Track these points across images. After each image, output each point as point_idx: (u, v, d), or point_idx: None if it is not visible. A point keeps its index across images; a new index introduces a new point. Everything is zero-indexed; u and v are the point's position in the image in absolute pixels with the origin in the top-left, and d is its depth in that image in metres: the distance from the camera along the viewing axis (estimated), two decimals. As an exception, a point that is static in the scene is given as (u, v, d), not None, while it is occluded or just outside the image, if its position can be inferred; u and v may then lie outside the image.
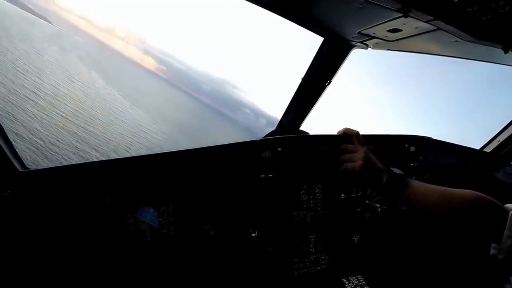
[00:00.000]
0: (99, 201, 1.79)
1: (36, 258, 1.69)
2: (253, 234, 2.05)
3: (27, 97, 32.26)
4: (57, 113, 32.57)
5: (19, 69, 40.33)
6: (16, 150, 1.81)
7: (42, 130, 26.20)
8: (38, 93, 35.55)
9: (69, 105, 38.87)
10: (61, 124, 29.83)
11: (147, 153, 1.98)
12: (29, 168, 1.79)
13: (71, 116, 33.86)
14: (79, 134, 30.01)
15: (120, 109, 55.93)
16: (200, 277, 1.93)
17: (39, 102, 33.20)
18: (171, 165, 1.95)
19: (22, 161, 1.81)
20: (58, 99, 38.27)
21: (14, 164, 1.72)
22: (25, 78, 38.22)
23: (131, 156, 1.95)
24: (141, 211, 1.86)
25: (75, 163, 1.86)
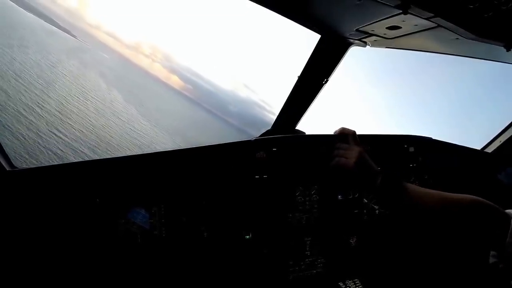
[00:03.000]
0: (88, 201, 1.75)
1: (24, 258, 1.66)
2: (247, 236, 2.01)
3: (20, 113, 27.69)
4: (55, 134, 27.22)
5: (21, 82, 36.68)
6: (4, 149, 1.77)
7: (27, 156, 21.07)
8: (37, 109, 30.94)
9: (75, 125, 33.46)
10: (57, 150, 24.36)
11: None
12: (17, 168, 1.75)
13: (74, 139, 29.36)
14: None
15: (138, 131, 52.05)
16: (193, 280, 1.90)
17: (34, 120, 27.76)
18: (163, 165, 1.92)
19: (10, 160, 1.77)
20: (62, 117, 33.32)
21: (1, 164, 1.68)
22: (26, 91, 34.34)
23: (122, 155, 1.91)
24: (132, 212, 1.83)
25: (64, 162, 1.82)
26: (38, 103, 33.05)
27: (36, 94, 35.55)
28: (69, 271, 1.70)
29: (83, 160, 1.86)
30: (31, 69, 44.89)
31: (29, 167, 1.78)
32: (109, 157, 1.85)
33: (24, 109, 29.14)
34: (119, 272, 1.79)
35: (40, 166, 1.78)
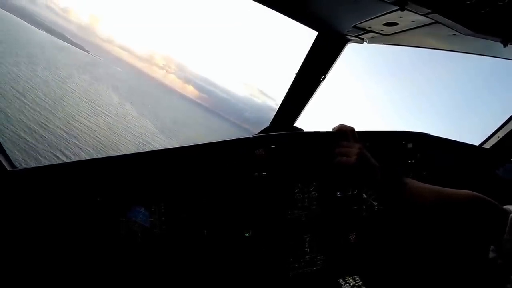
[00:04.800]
0: (89, 200, 1.75)
1: (26, 257, 1.66)
2: (247, 234, 2.02)
3: (19, 135, 24.94)
4: (58, 157, 24.99)
5: (25, 101, 33.86)
6: (5, 149, 1.77)
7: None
8: (39, 130, 27.71)
9: (82, 144, 30.51)
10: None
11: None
12: (17, 167, 1.75)
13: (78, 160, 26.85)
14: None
15: (152, 146, 48.00)
16: (193, 277, 1.90)
17: (35, 142, 25.24)
18: (163, 164, 1.92)
19: (11, 160, 1.77)
20: (67, 137, 30.42)
21: (2, 164, 1.68)
22: (29, 111, 31.51)
23: (122, 154, 1.91)
24: (133, 210, 1.83)
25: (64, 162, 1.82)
26: (41, 122, 30.32)
27: (40, 113, 32.84)
28: (71, 271, 1.71)
29: (83, 159, 1.86)
30: (37, 86, 42.49)
31: (29, 167, 1.78)
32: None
33: (24, 130, 26.60)
34: (121, 271, 1.79)
35: (40, 165, 1.79)
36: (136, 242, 1.82)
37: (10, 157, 1.77)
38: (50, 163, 1.80)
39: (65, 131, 31.52)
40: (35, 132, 27.29)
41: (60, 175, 1.76)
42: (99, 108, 51.10)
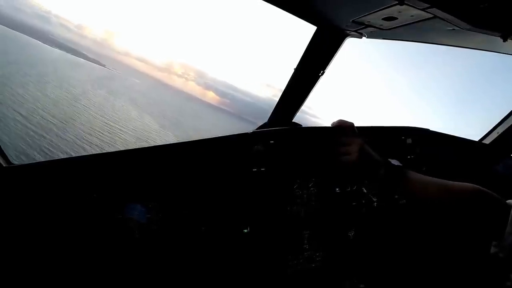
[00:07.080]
0: (86, 196, 1.75)
1: (22, 253, 1.66)
2: (245, 230, 2.01)
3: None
4: None
5: (28, 124, 31.29)
6: (0, 145, 1.77)
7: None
8: (39, 156, 24.87)
9: None
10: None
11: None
12: (13, 164, 1.75)
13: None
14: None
15: None
16: (191, 274, 1.91)
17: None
18: (160, 160, 1.91)
19: (7, 156, 1.77)
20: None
21: None
22: (31, 134, 29.02)
23: (119, 150, 1.90)
24: (129, 206, 1.82)
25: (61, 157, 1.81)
26: (45, 147, 27.92)
27: (44, 138, 30.10)
28: (67, 267, 1.71)
29: (80, 155, 1.85)
30: (44, 107, 39.99)
31: (25, 163, 1.78)
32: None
33: (21, 159, 22.82)
34: (118, 268, 1.79)
35: (37, 162, 1.78)
36: (133, 238, 1.82)
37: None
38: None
39: (71, 155, 28.98)
40: (34, 160, 24.63)
41: (56, 171, 1.75)
42: (113, 124, 48.49)
